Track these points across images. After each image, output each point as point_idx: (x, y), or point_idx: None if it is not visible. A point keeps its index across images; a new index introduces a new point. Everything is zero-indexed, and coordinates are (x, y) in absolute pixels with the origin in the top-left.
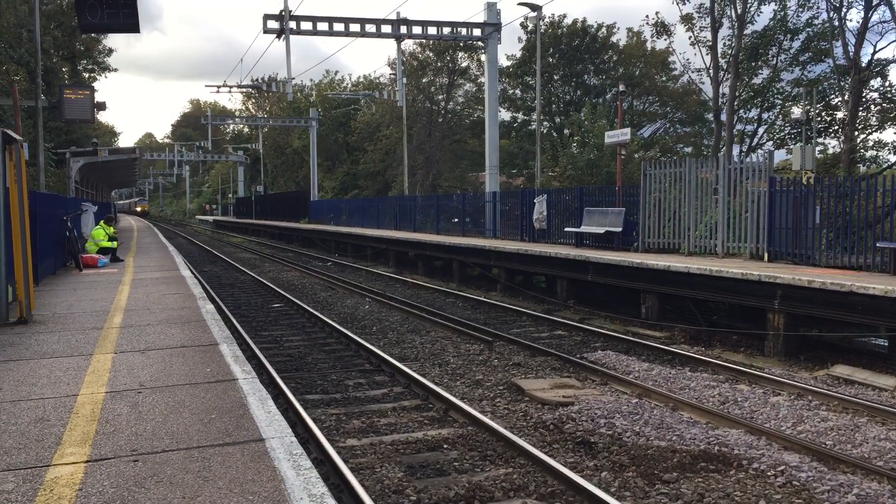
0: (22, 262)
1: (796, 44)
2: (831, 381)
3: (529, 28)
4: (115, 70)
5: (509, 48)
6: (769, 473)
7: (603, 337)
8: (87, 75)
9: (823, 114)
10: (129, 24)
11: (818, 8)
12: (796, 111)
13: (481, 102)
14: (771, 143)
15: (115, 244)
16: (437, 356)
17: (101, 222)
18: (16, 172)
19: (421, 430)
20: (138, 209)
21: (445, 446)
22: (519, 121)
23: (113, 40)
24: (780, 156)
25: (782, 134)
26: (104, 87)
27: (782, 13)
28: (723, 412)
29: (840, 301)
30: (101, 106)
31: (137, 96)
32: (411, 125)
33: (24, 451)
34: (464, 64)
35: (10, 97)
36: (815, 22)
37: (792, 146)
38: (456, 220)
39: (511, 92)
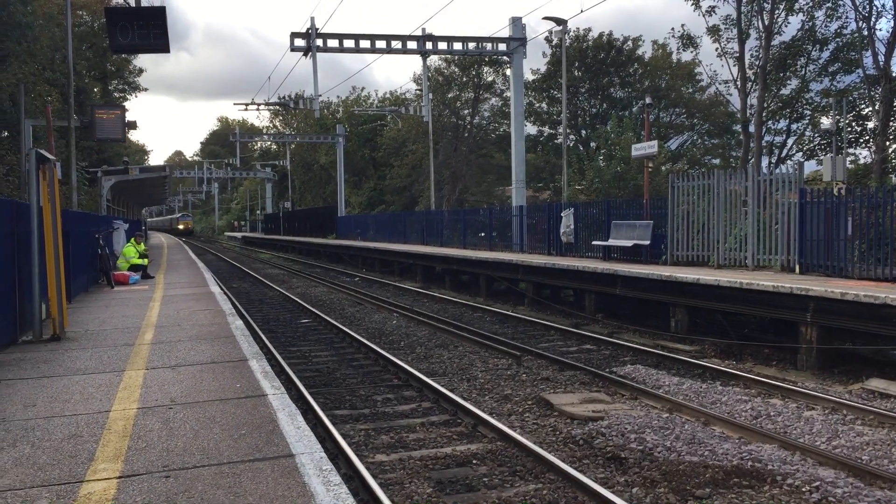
0: (55, 280)
1: (825, 54)
2: (866, 395)
3: (554, 42)
4: (146, 90)
5: (534, 62)
6: (804, 489)
7: (632, 351)
8: (117, 95)
9: (854, 124)
10: (160, 44)
11: (847, 18)
12: (826, 122)
13: (507, 117)
14: (800, 154)
15: (145, 261)
16: (465, 371)
17: (132, 240)
18: (49, 191)
19: (450, 445)
20: (180, 226)
21: (474, 462)
22: (545, 134)
23: (141, 60)
24: (809, 167)
25: (812, 145)
26: (134, 107)
27: (810, 23)
28: (756, 427)
29: (874, 314)
30: (132, 125)
31: (165, 115)
32: (437, 140)
33: (57, 467)
34: (489, 78)
35: (43, 117)
36: (844, 32)
37: (822, 157)
38: (483, 234)
39: (537, 106)
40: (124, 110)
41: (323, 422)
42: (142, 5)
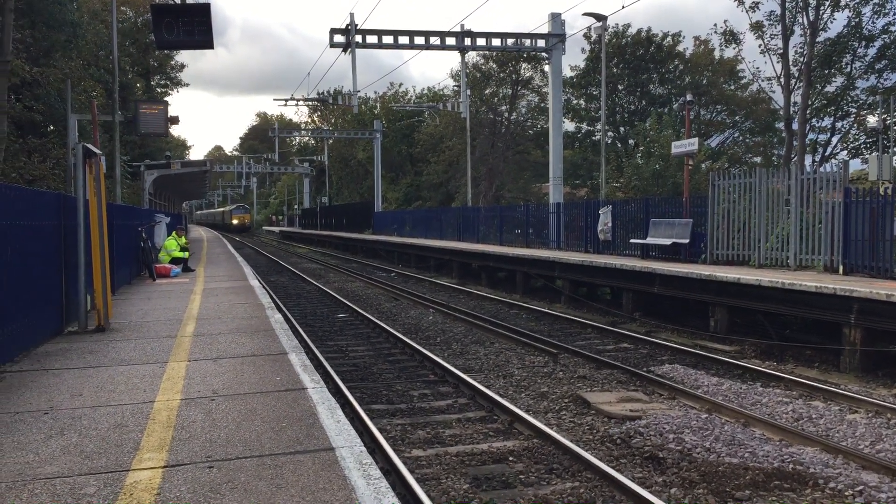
0: (100, 272)
1: (872, 51)
2: None
3: (593, 38)
4: (187, 85)
5: (573, 58)
6: (847, 493)
7: (670, 350)
8: (159, 90)
9: None
10: (204, 40)
11: (895, 14)
12: (872, 120)
13: (545, 113)
14: (845, 152)
15: (186, 254)
16: (502, 368)
17: (173, 233)
18: (95, 185)
19: (486, 441)
20: (234, 221)
21: (511, 459)
22: (583, 131)
23: (180, 55)
24: (854, 165)
25: (857, 143)
26: (174, 102)
27: (857, 20)
28: (797, 429)
29: None
30: (175, 120)
31: (204, 110)
32: (475, 136)
33: (104, 456)
34: (527, 75)
35: (88, 112)
36: (892, 28)
37: (868, 156)
38: (519, 231)
39: (575, 102)
40: (167, 105)
41: (360, 416)
42: (187, 2)
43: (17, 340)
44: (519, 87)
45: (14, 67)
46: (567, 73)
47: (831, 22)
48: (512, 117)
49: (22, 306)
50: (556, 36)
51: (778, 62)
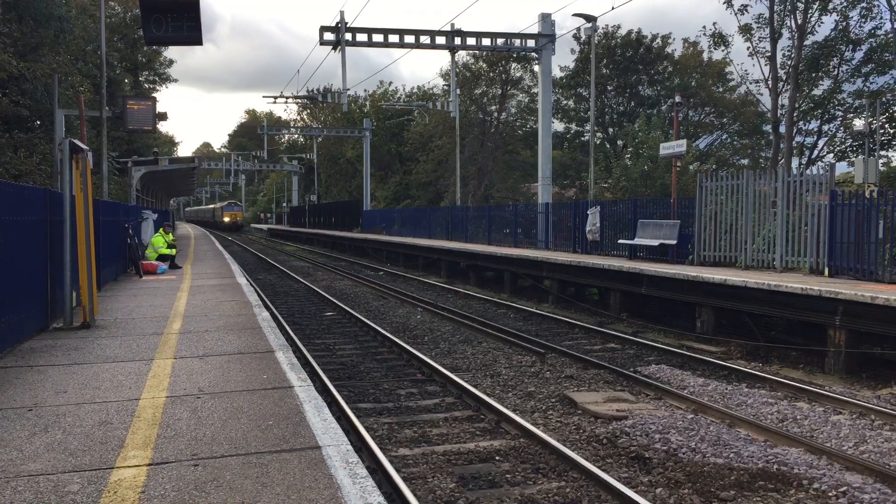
0: (86, 268)
1: (859, 54)
2: (895, 401)
3: (583, 39)
4: (176, 81)
5: (563, 59)
6: (830, 494)
7: (657, 351)
8: (147, 86)
9: (887, 126)
10: (193, 36)
11: (881, 18)
12: (858, 123)
13: (534, 113)
14: (831, 155)
15: (173, 251)
16: (489, 367)
17: (160, 230)
18: (82, 181)
19: (473, 441)
20: (225, 219)
21: (497, 458)
22: (572, 132)
23: (168, 51)
24: (841, 168)
25: (843, 146)
26: (162, 98)
27: (844, 23)
28: (782, 430)
29: None
30: (163, 116)
31: (192, 106)
32: (464, 136)
33: (88, 454)
34: (517, 75)
35: (76, 108)
36: (879, 32)
37: (854, 159)
38: (507, 230)
39: (564, 103)
40: (155, 101)
41: (347, 415)
42: None
43: (1, 337)
44: (508, 87)
45: (1, 62)
46: (557, 73)
47: (819, 25)
48: (501, 117)
49: (6, 302)
50: (546, 36)
51: (766, 65)
